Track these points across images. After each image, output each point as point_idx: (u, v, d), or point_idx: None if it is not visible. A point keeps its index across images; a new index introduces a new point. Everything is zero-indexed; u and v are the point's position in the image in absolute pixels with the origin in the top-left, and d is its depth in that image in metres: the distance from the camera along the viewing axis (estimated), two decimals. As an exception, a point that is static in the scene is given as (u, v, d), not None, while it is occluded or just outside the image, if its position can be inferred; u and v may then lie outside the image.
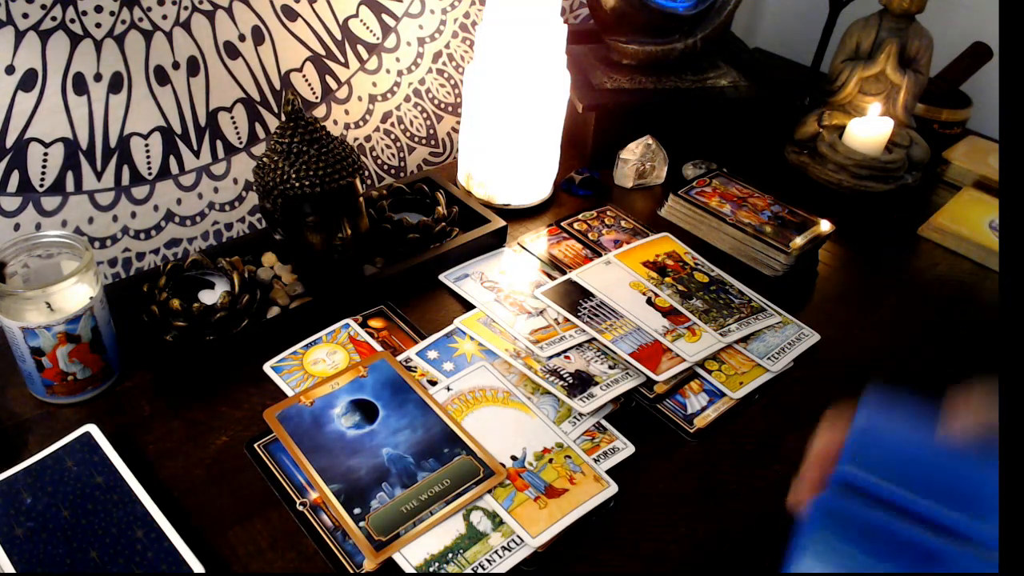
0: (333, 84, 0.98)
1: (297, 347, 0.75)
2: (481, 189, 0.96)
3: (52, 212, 0.83)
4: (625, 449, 0.67)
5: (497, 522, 0.60)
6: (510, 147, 0.92)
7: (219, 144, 0.92)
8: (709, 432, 0.70)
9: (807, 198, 0.98)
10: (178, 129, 0.88)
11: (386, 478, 0.62)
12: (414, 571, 0.56)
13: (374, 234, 0.83)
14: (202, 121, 0.89)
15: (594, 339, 0.76)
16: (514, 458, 0.65)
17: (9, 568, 0.54)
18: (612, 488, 0.63)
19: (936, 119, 1.20)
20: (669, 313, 0.80)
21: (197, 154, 0.91)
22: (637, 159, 1.02)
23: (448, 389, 0.71)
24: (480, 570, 0.56)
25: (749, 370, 0.76)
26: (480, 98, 0.91)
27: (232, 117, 0.91)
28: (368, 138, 1.05)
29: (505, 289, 0.83)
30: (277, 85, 0.93)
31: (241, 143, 0.94)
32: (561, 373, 0.73)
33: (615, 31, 1.07)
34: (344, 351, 0.74)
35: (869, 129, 1.02)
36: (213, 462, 0.65)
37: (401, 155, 1.10)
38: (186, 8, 0.82)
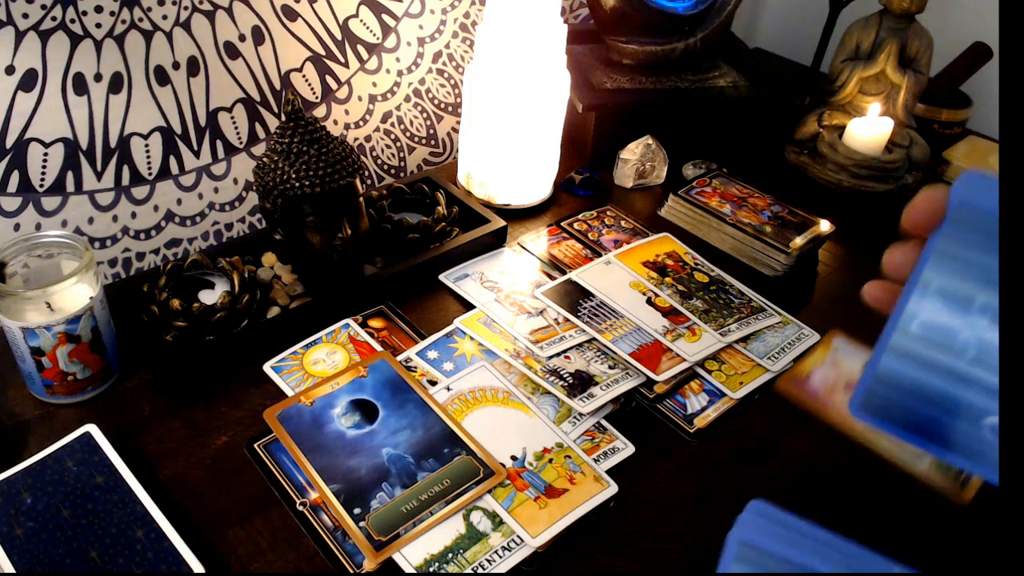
0: (333, 84, 0.98)
1: (297, 347, 0.75)
2: (481, 189, 0.96)
3: (52, 212, 0.83)
4: (625, 449, 0.67)
5: (497, 522, 0.60)
6: (510, 147, 0.92)
7: (219, 144, 0.92)
8: (709, 432, 0.70)
9: (807, 198, 0.98)
10: (178, 129, 0.88)
11: (386, 478, 0.62)
12: (414, 571, 0.56)
13: (374, 234, 0.83)
14: (202, 121, 0.89)
15: (594, 339, 0.76)
16: (514, 458, 0.65)
17: (9, 568, 0.54)
18: (612, 488, 0.63)
19: (936, 119, 1.19)
20: (669, 313, 0.80)
21: (197, 154, 0.91)
22: (637, 159, 1.02)
23: (448, 389, 0.71)
24: (480, 570, 0.56)
25: (749, 370, 0.76)
26: (480, 98, 0.91)
27: (232, 117, 0.91)
28: (368, 138, 1.05)
29: (505, 289, 0.83)
30: (277, 85, 0.93)
31: (241, 143, 0.94)
32: (561, 373, 0.73)
33: (615, 31, 1.07)
34: (344, 351, 0.74)
35: (869, 129, 1.02)
36: (213, 462, 0.65)
37: (401, 155, 1.10)
38: (186, 8, 0.82)
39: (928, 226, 0.32)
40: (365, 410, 0.68)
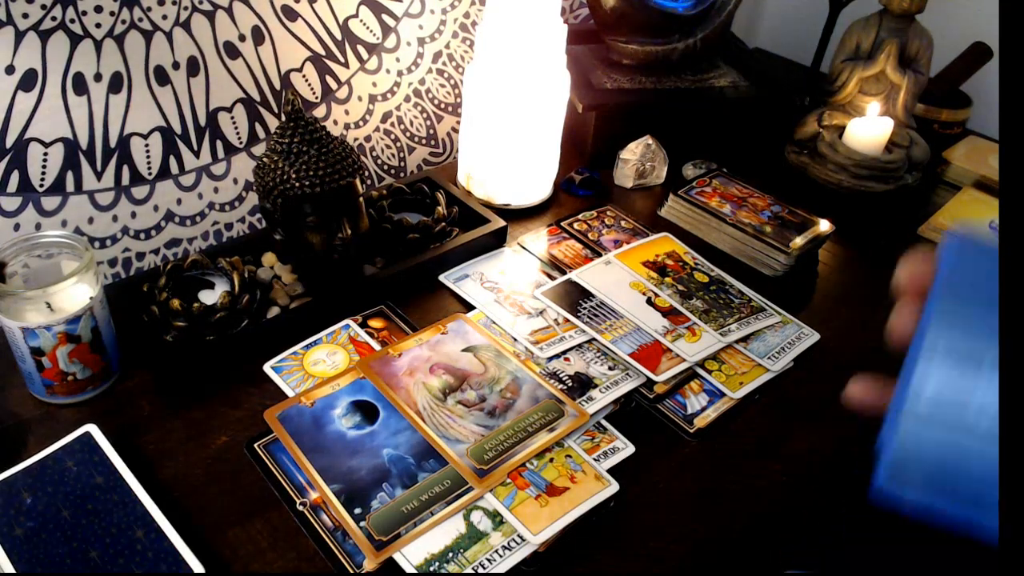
0: (333, 84, 0.98)
1: (297, 347, 0.75)
2: (481, 189, 0.96)
3: (52, 212, 0.83)
4: (625, 449, 0.67)
5: (498, 521, 0.60)
6: (510, 147, 0.92)
7: (219, 144, 0.92)
8: (709, 432, 0.70)
9: (807, 198, 0.98)
10: (178, 129, 0.88)
11: (387, 478, 0.62)
12: (414, 571, 0.56)
13: (374, 234, 0.83)
14: (202, 121, 0.89)
15: (594, 339, 0.76)
16: (514, 458, 0.65)
17: (9, 568, 0.54)
18: (613, 487, 0.63)
19: (936, 119, 1.20)
20: (669, 313, 0.80)
21: (197, 154, 0.91)
22: (637, 159, 1.02)
23: (448, 389, 0.71)
24: (480, 569, 0.56)
25: (749, 370, 0.76)
26: (480, 98, 0.91)
27: (232, 117, 0.91)
28: (368, 138, 1.05)
29: (505, 289, 0.83)
30: (277, 85, 0.93)
31: (241, 143, 0.94)
32: (560, 376, 0.73)
33: (615, 31, 1.07)
34: (344, 352, 0.74)
35: (869, 129, 1.02)
36: (213, 462, 0.64)
37: (401, 155, 1.10)
38: (186, 8, 0.82)
39: (922, 287, 0.32)
40: (366, 411, 0.68)
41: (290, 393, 0.70)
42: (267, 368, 0.73)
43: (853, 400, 0.35)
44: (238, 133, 0.93)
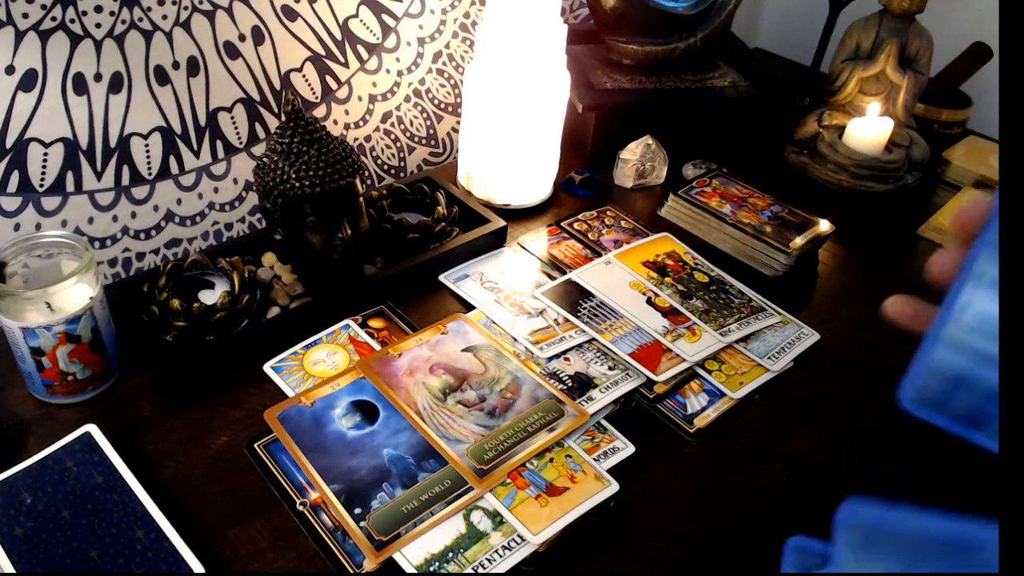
0: (333, 84, 0.98)
1: (297, 347, 0.75)
2: (481, 189, 0.96)
3: (52, 212, 0.83)
4: (625, 449, 0.67)
5: (498, 521, 0.60)
6: (510, 147, 0.92)
7: (219, 144, 0.92)
8: (709, 432, 0.70)
9: (807, 198, 0.98)
10: (178, 129, 0.88)
11: (387, 478, 0.62)
12: (414, 571, 0.56)
13: (374, 234, 0.83)
14: (202, 121, 0.89)
15: (594, 339, 0.76)
16: (514, 458, 0.65)
17: (9, 568, 0.54)
18: (613, 487, 0.63)
19: (936, 119, 1.19)
20: (669, 313, 0.80)
21: (197, 154, 0.91)
22: (637, 159, 1.02)
23: (448, 389, 0.71)
24: (480, 569, 0.56)
25: (749, 370, 0.76)
26: (480, 98, 0.91)
27: (232, 117, 0.91)
28: (368, 138, 1.05)
29: (505, 289, 0.83)
30: (277, 85, 0.93)
31: (241, 143, 0.94)
32: (560, 376, 0.73)
33: (615, 31, 1.07)
34: (344, 352, 0.74)
35: (869, 129, 1.02)
36: (213, 462, 0.64)
37: (401, 155, 1.10)
38: (186, 8, 0.82)
39: (977, 227, 0.32)
40: (366, 411, 0.68)
41: (290, 393, 0.70)
42: (267, 368, 0.73)
43: (890, 311, 0.37)
44: (238, 133, 0.93)
